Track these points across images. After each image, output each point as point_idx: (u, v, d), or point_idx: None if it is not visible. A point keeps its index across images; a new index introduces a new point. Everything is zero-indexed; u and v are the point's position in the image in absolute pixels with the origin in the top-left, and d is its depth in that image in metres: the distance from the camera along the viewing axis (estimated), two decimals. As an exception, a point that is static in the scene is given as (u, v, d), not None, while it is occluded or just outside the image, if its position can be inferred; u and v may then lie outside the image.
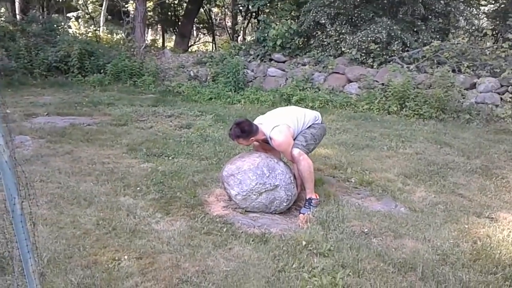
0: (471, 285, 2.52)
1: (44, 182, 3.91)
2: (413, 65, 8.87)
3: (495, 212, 3.62)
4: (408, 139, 6.02)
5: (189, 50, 17.04)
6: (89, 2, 19.44)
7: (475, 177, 4.53)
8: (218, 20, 22.47)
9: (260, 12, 12.69)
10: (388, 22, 9.25)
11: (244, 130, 3.44)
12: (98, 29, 15.96)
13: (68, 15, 18.77)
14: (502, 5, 11.58)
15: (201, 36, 23.57)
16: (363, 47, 9.29)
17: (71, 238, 2.93)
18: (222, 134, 5.91)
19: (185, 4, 18.02)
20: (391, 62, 9.16)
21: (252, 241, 2.99)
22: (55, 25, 12.15)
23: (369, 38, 9.12)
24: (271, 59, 10.82)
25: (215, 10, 21.27)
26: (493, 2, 12.59)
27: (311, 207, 3.55)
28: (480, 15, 12.52)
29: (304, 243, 2.93)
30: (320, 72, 9.71)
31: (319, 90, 9.14)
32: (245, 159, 3.54)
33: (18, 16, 14.71)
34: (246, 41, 14.42)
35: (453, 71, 8.21)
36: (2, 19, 13.14)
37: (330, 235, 3.09)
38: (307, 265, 2.68)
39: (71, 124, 6.21)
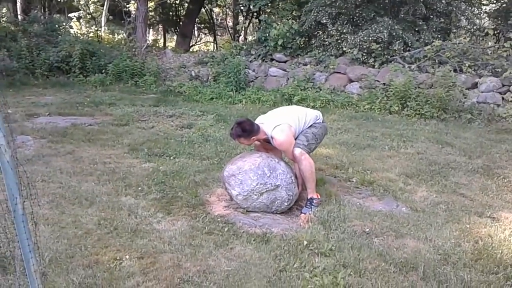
0: (472, 284, 2.52)
1: (45, 182, 3.91)
2: (414, 64, 8.86)
3: (496, 211, 3.61)
4: (410, 139, 6.01)
5: (191, 50, 17.06)
6: (90, 2, 19.47)
7: (477, 177, 4.52)
8: (219, 20, 22.48)
9: (261, 12, 12.70)
10: (390, 21, 9.25)
11: (245, 130, 3.44)
12: (100, 29, 16.00)
13: (70, 15, 18.83)
14: (504, 5, 11.55)
15: (203, 36, 23.58)
16: (365, 46, 9.28)
17: (73, 237, 2.93)
18: (224, 134, 5.91)
19: (186, 4, 18.03)
20: (392, 62, 9.15)
21: (254, 240, 2.99)
22: (56, 25, 12.18)
23: (370, 38, 9.11)
24: (272, 59, 10.82)
25: (216, 10, 21.28)
26: (494, 1, 12.56)
27: (312, 206, 3.55)
28: (481, 15, 12.51)
29: (305, 242, 2.93)
30: (321, 72, 9.71)
31: (321, 90, 9.14)
32: (246, 159, 3.54)
33: (19, 17, 14.76)
34: (247, 41, 14.43)
35: (455, 70, 8.20)
36: (4, 19, 13.19)
37: (332, 234, 3.09)
38: (309, 265, 2.68)
39: (73, 124, 6.23)
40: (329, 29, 10.00)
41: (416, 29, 9.87)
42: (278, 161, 3.58)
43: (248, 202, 3.45)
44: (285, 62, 10.60)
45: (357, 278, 2.56)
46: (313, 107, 7.29)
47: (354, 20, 10.00)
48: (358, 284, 2.50)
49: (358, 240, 3.02)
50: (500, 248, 2.95)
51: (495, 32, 11.18)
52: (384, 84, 8.61)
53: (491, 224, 3.35)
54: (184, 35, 16.86)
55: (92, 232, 3.02)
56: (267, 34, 10.65)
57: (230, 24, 19.47)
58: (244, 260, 2.73)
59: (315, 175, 3.61)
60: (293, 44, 10.60)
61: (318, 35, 10.61)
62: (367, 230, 3.19)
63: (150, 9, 17.56)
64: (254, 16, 14.28)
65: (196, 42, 21.39)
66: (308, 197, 3.61)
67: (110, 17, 19.20)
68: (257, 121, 3.64)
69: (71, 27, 15.31)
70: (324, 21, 9.95)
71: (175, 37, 20.04)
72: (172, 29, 21.40)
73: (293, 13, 11.47)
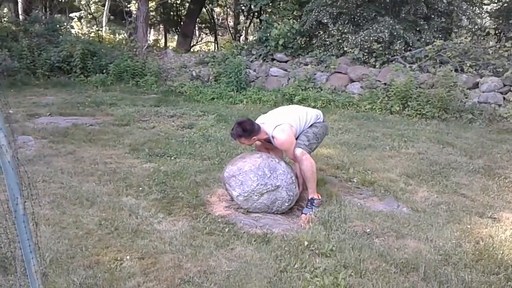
0: (473, 285, 2.51)
1: (46, 182, 3.92)
2: (415, 64, 8.85)
3: (497, 212, 3.61)
4: (411, 139, 6.00)
5: (191, 50, 17.07)
6: (91, 2, 19.49)
7: (478, 177, 4.52)
8: (220, 20, 22.49)
9: (262, 12, 12.70)
10: (391, 21, 9.23)
11: (246, 130, 3.44)
12: (101, 29, 16.00)
13: (71, 15, 18.83)
14: (505, 4, 11.54)
15: (203, 36, 23.60)
16: (366, 46, 9.28)
17: (74, 238, 2.94)
18: (224, 134, 5.91)
19: (187, 4, 18.04)
20: (393, 62, 9.14)
21: (254, 241, 2.99)
22: (57, 25, 12.19)
23: (371, 38, 9.10)
24: (273, 59, 10.82)
25: (217, 10, 21.28)
26: (496, 1, 12.55)
27: (313, 207, 3.55)
28: (483, 14, 12.48)
29: (306, 243, 2.93)
30: (322, 71, 9.70)
31: (321, 90, 9.13)
32: (246, 159, 3.54)
33: (21, 17, 14.77)
34: (248, 41, 14.44)
35: (456, 70, 8.18)
36: (5, 19, 13.20)
37: (332, 235, 3.09)
38: (309, 265, 2.68)
39: (74, 124, 6.23)
40: (330, 29, 9.99)
41: (417, 29, 9.85)
42: (279, 161, 3.58)
43: (248, 202, 3.46)
44: (286, 62, 10.59)
45: (358, 278, 2.56)
46: (314, 107, 7.26)
47: (355, 19, 9.99)
48: (359, 284, 2.50)
49: (359, 241, 3.01)
50: (501, 248, 2.94)
51: (496, 32, 11.16)
52: (385, 84, 8.60)
53: (492, 225, 3.34)
54: (185, 35, 16.87)
55: (93, 233, 3.02)
56: (268, 34, 10.64)
57: (231, 24, 19.48)
58: (244, 261, 2.73)
59: (316, 175, 3.61)
60: (294, 44, 10.59)
61: (319, 35, 10.60)
62: (368, 230, 3.18)
63: (151, 9, 17.56)
64: (255, 16, 14.29)
65: (197, 42, 21.41)
66: (309, 198, 3.61)
67: (111, 17, 19.23)
68: (257, 121, 3.64)
69: (72, 27, 15.31)
70: (325, 20, 9.94)
71: (176, 37, 20.06)
72: (173, 29, 21.43)
73: (294, 13, 11.46)
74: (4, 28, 11.98)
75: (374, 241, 3.05)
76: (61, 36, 11.50)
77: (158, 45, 17.04)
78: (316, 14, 10.06)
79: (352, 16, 10.00)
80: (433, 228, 3.25)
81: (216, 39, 20.29)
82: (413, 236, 3.12)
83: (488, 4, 12.98)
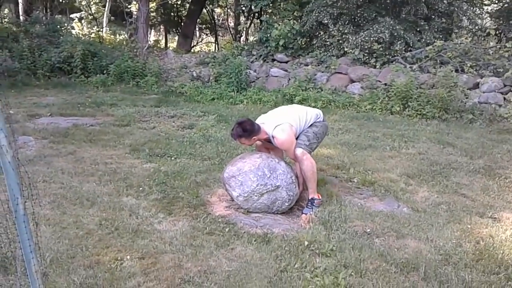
0: (473, 285, 2.51)
1: (47, 183, 3.92)
2: (416, 65, 8.85)
3: (498, 212, 3.61)
4: (411, 139, 6.00)
5: (192, 50, 17.08)
6: (92, 3, 19.51)
7: (478, 177, 4.51)
8: (220, 21, 22.52)
9: (262, 13, 12.71)
10: (391, 22, 9.24)
11: (246, 130, 3.44)
12: (101, 30, 16.03)
13: (71, 16, 18.88)
14: (506, 5, 11.55)
15: (204, 36, 23.63)
16: (366, 47, 9.28)
17: (74, 238, 2.94)
18: (225, 134, 5.91)
19: (187, 5, 18.06)
20: (394, 62, 9.14)
21: (255, 241, 2.99)
22: (58, 26, 12.21)
23: (371, 38, 9.11)
24: (273, 60, 10.82)
25: (217, 10, 21.32)
26: (496, 1, 12.55)
27: (313, 207, 3.55)
28: (483, 15, 12.49)
29: (306, 243, 2.93)
30: (322, 72, 9.70)
31: (322, 90, 9.13)
32: (245, 160, 3.54)
33: (21, 17, 14.80)
34: (248, 41, 14.46)
35: (456, 71, 8.18)
36: (6, 20, 13.22)
37: (333, 235, 3.09)
38: (309, 265, 2.68)
39: (74, 125, 6.24)
40: (331, 30, 9.99)
41: (418, 29, 9.85)
42: (278, 161, 3.58)
43: (248, 203, 3.46)
44: (286, 62, 10.60)
45: (358, 278, 2.56)
46: (314, 107, 7.28)
47: (356, 20, 9.99)
48: (359, 284, 2.50)
49: (359, 241, 3.01)
50: (501, 248, 2.94)
51: (497, 32, 11.16)
52: (385, 84, 8.60)
53: (493, 225, 3.34)
54: (185, 36, 16.88)
55: (93, 233, 3.02)
56: (269, 35, 10.65)
57: (232, 24, 19.51)
58: (245, 261, 2.73)
59: (316, 176, 3.61)
60: (294, 45, 10.60)
61: (319, 35, 10.61)
62: (368, 230, 3.18)
63: (152, 9, 17.60)
64: (256, 17, 14.31)
65: (197, 43, 21.43)
66: (309, 198, 3.61)
67: (112, 17, 19.25)
68: (257, 121, 3.64)
69: (72, 27, 15.33)
70: (326, 21, 9.95)
71: (176, 38, 20.07)
72: (174, 29, 21.46)
73: (295, 14, 11.47)
74: (5, 28, 12.00)
75: (375, 241, 3.05)
76: (61, 37, 11.51)
77: (159, 45, 17.05)
78: (316, 14, 10.06)
79: (352, 17, 10.01)
80: (433, 228, 3.25)
81: (216, 39, 20.31)
82: (413, 236, 3.12)
83: (489, 5, 12.99)
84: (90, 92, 9.23)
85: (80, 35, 13.06)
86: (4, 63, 10.02)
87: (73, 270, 2.54)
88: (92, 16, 19.22)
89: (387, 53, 9.28)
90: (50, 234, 2.95)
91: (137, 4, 13.05)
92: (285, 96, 8.87)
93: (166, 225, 3.22)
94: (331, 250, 2.85)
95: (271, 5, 11.99)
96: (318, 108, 7.62)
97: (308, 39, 10.97)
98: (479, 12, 11.63)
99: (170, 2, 18.05)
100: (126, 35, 14.26)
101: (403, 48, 9.30)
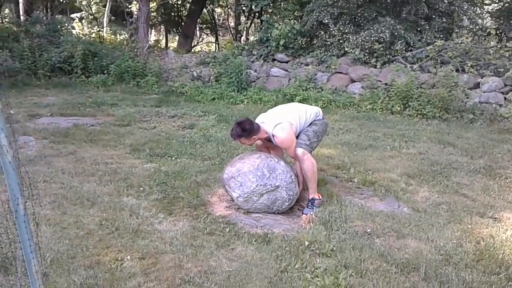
0: (474, 285, 2.51)
1: (47, 183, 3.92)
2: (416, 64, 8.85)
3: (498, 212, 3.60)
4: (411, 139, 6.00)
5: (192, 50, 17.08)
6: (92, 3, 19.51)
7: (479, 177, 4.51)
8: (221, 21, 22.52)
9: (263, 12, 12.70)
10: (392, 21, 9.23)
11: (245, 129, 3.43)
12: (102, 29, 16.03)
13: (72, 16, 18.89)
14: (506, 4, 11.54)
15: (204, 36, 23.62)
16: (366, 47, 9.27)
17: (74, 238, 2.94)
18: (225, 134, 5.91)
19: (188, 5, 18.05)
20: (394, 62, 9.14)
21: (255, 241, 2.99)
22: (58, 26, 12.21)
23: (372, 38, 9.10)
24: (274, 59, 10.82)
25: (218, 10, 21.31)
26: (497, 1, 12.54)
27: (313, 207, 3.55)
28: (484, 14, 12.48)
29: (306, 243, 2.93)
30: (323, 72, 9.70)
31: (322, 90, 9.13)
32: (245, 160, 3.53)
33: (22, 17, 14.80)
34: (249, 41, 14.45)
35: (457, 70, 8.18)
36: (6, 20, 13.22)
37: (333, 235, 3.09)
38: (310, 266, 2.68)
39: (75, 125, 6.24)
40: (331, 29, 9.99)
41: (418, 29, 9.85)
42: (278, 161, 3.57)
43: (248, 203, 3.45)
44: (286, 62, 10.60)
45: (359, 278, 2.56)
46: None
47: (356, 20, 9.99)
48: (359, 284, 2.50)
49: (360, 241, 3.01)
50: (502, 248, 2.94)
51: (498, 32, 11.15)
52: (386, 84, 8.59)
53: (493, 225, 3.34)
54: (186, 36, 16.88)
55: (94, 233, 3.02)
56: (269, 34, 10.65)
57: (232, 24, 19.50)
58: (245, 261, 2.73)
59: (317, 175, 3.61)
60: (295, 44, 10.59)
61: (320, 35, 10.60)
62: (369, 230, 3.18)
63: (152, 9, 17.59)
64: (256, 17, 14.30)
65: (198, 43, 21.42)
66: (310, 198, 3.61)
67: (112, 17, 19.25)
68: (257, 120, 3.64)
69: (73, 27, 15.34)
70: (326, 21, 9.94)
71: (177, 38, 20.06)
72: (174, 29, 21.44)
73: (295, 13, 11.47)
74: (5, 28, 12.01)
75: (375, 241, 3.04)
76: (62, 37, 11.51)
77: (159, 45, 17.05)
78: (317, 14, 10.06)
79: (353, 17, 10.00)
80: (434, 228, 3.25)
81: (217, 39, 20.30)
82: (414, 236, 3.12)
83: (489, 4, 12.98)
84: (91, 92, 9.24)
85: (81, 35, 13.08)
86: (4, 63, 10.03)
87: (73, 270, 2.54)
88: (92, 16, 19.22)
89: (387, 53, 9.28)
90: (51, 234, 2.95)
91: (138, 4, 13.05)
92: (286, 96, 8.87)
93: (166, 225, 3.22)
94: (332, 250, 2.85)
95: (271, 4, 11.99)
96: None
97: (308, 39, 10.97)
98: (479, 11, 11.63)
99: (170, 2, 18.04)
100: (126, 35, 14.27)
101: (404, 48, 9.30)
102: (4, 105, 1.59)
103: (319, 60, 10.13)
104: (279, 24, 10.36)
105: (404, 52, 9.29)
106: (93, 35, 14.08)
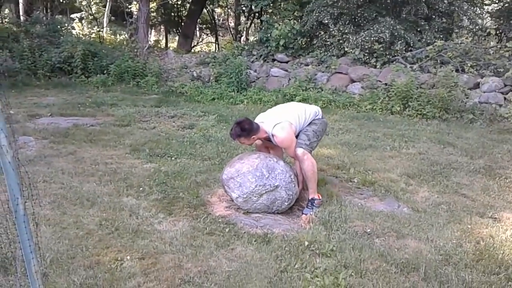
0: (474, 285, 2.51)
1: (47, 183, 3.92)
2: (416, 65, 8.85)
3: (498, 212, 3.60)
4: (411, 139, 6.00)
5: (192, 50, 17.08)
6: (92, 3, 19.51)
7: (478, 177, 4.51)
8: (221, 21, 22.52)
9: (263, 13, 12.71)
10: (392, 21, 9.24)
11: (245, 129, 3.43)
12: (102, 30, 16.03)
13: (72, 16, 18.88)
14: (506, 4, 11.54)
15: (204, 36, 23.63)
16: (366, 47, 9.28)
17: (74, 238, 2.94)
18: (225, 134, 5.91)
19: (188, 5, 18.06)
20: (394, 62, 9.14)
21: (255, 241, 2.99)
22: (58, 26, 12.22)
23: (372, 38, 9.10)
24: (274, 59, 10.82)
25: (218, 10, 21.31)
26: (496, 1, 12.54)
27: (313, 207, 3.55)
28: (483, 15, 12.48)
29: (306, 243, 2.93)
30: (323, 72, 9.71)
31: (322, 90, 9.14)
32: (244, 160, 3.53)
33: (22, 17, 14.80)
34: (249, 41, 14.45)
35: (457, 70, 8.18)
36: (6, 20, 13.22)
37: (333, 235, 3.09)
38: (310, 266, 2.68)
39: (74, 125, 6.24)
40: (331, 29, 9.99)
41: (418, 29, 9.85)
42: (277, 160, 3.57)
43: (248, 204, 3.45)
44: (286, 62, 10.60)
45: (358, 278, 2.56)
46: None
47: (356, 20, 9.99)
48: (359, 284, 2.50)
49: (359, 241, 3.01)
50: (502, 248, 2.94)
51: (497, 32, 11.15)
52: (386, 84, 8.59)
53: (493, 225, 3.34)
54: (186, 36, 16.88)
55: (93, 233, 3.02)
56: (269, 35, 10.66)
57: (232, 24, 19.51)
58: (245, 261, 2.73)
59: (317, 175, 3.61)
60: (294, 45, 10.60)
61: (319, 35, 10.61)
62: (369, 230, 3.18)
63: (152, 9, 17.59)
64: (256, 17, 14.31)
65: (197, 43, 21.43)
66: (310, 198, 3.61)
67: (112, 18, 19.25)
68: (257, 120, 3.64)
69: (73, 28, 15.33)
70: (326, 21, 9.95)
71: (177, 38, 20.07)
72: (174, 29, 21.45)
73: (295, 14, 11.48)
74: (5, 29, 12.01)
75: (375, 241, 3.04)
76: (62, 37, 11.52)
77: (159, 45, 17.06)
78: (316, 14, 10.06)
79: (353, 17, 10.01)
80: (433, 228, 3.25)
81: (217, 39, 20.30)
82: (413, 236, 3.12)
83: (489, 5, 12.98)
84: (91, 92, 9.24)
85: (81, 35, 13.06)
86: (4, 63, 10.03)
87: (73, 271, 2.54)
88: (92, 16, 19.22)
89: (387, 53, 9.28)
90: (50, 235, 2.95)
91: (138, 4, 13.06)
92: (286, 96, 8.87)
93: (166, 225, 3.22)
94: (331, 251, 2.85)
95: (271, 5, 11.99)
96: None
97: (308, 39, 10.97)
98: (479, 12, 11.63)
99: (170, 2, 18.05)
100: (126, 35, 14.26)
101: (404, 48, 9.30)
102: (4, 105, 1.59)
103: (319, 60, 10.13)
104: (279, 24, 10.37)
105: (404, 52, 9.29)
106: (93, 35, 14.07)
